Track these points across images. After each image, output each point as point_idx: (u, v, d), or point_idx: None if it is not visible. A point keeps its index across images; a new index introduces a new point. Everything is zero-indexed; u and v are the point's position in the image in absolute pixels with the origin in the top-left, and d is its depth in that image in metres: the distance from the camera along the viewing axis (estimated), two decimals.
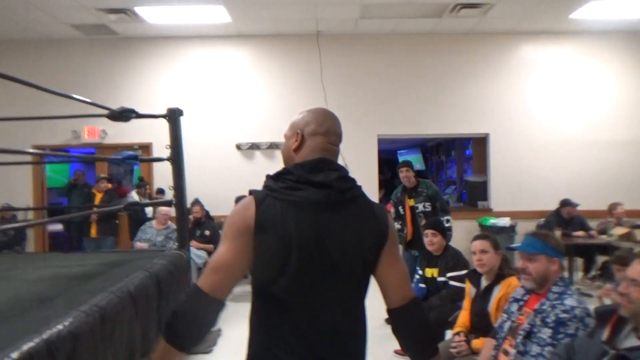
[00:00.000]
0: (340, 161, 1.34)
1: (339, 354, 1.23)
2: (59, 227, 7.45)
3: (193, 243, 5.37)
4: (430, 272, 3.50)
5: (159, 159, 4.10)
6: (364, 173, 6.62)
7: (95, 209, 5.61)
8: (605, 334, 1.51)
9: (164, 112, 3.85)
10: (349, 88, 6.66)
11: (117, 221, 6.24)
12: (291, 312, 1.20)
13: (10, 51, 6.50)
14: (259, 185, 1.32)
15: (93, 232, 6.01)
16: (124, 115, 3.50)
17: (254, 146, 6.59)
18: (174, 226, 5.25)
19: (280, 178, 1.24)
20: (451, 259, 3.40)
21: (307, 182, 1.20)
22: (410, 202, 4.56)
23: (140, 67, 6.62)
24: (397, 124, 6.72)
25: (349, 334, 1.25)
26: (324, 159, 1.25)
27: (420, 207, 4.47)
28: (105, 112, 3.53)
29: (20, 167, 6.33)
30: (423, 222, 4.29)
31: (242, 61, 6.67)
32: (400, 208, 4.65)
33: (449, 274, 3.34)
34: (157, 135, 5.87)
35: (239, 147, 6.59)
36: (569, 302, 1.83)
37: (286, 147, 1.33)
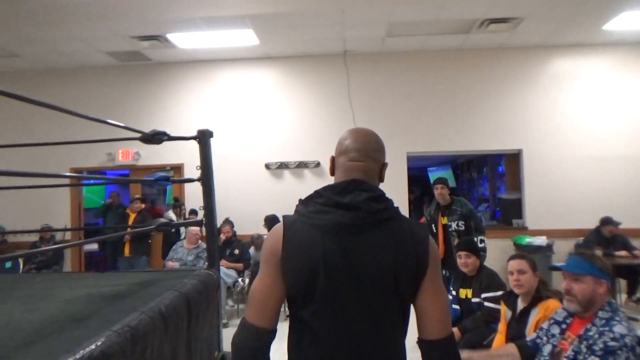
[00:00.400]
0: None
1: None
2: (94, 246, 7.67)
3: (223, 262, 5.41)
4: (465, 292, 3.39)
5: (190, 180, 4.15)
6: (394, 191, 6.49)
7: (129, 229, 5.75)
8: None
9: (194, 134, 3.94)
10: (377, 106, 6.66)
11: (149, 241, 6.37)
12: (319, 339, 1.16)
13: (50, 78, 6.84)
14: (286, 204, 1.29)
15: (126, 251, 6.15)
16: (155, 138, 3.58)
17: (283, 165, 6.63)
18: (204, 245, 5.32)
19: (311, 202, 1.22)
20: (486, 279, 3.30)
21: (335, 204, 1.17)
22: (444, 220, 4.49)
23: (172, 91, 6.82)
24: (427, 141, 6.65)
25: None
26: (355, 180, 1.20)
27: (454, 225, 4.38)
28: (138, 135, 3.64)
29: (59, 189, 6.57)
30: (456, 241, 4.19)
31: (271, 82, 6.78)
32: (433, 226, 4.59)
33: (484, 295, 3.23)
34: (188, 156, 6.02)
35: (267, 166, 6.65)
36: (618, 329, 1.72)
37: None
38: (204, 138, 3.95)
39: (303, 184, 6.55)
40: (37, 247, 6.19)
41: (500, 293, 3.14)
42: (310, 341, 1.17)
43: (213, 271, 3.81)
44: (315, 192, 1.23)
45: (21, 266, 5.98)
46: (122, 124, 3.54)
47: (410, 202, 7.61)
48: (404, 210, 6.56)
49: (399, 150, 6.59)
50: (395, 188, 6.55)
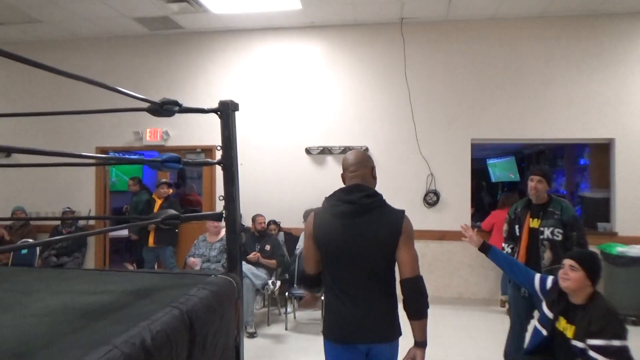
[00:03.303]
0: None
1: (366, 313, 2.01)
2: (124, 232, 7.22)
3: (254, 256, 4.72)
4: (564, 325, 2.47)
5: (207, 163, 3.46)
6: (455, 182, 5.62)
7: (138, 220, 5.16)
8: None
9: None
10: (437, 84, 5.72)
11: (176, 230, 5.78)
12: (337, 284, 2.07)
13: (74, 49, 6.38)
14: (328, 194, 2.14)
15: (151, 241, 5.61)
16: (164, 108, 2.89)
17: (326, 150, 5.85)
18: None
19: (330, 199, 2.13)
20: (599, 319, 2.33)
21: (342, 200, 2.07)
22: (533, 224, 3.35)
23: (206, 63, 6.17)
24: (495, 126, 5.65)
25: (374, 301, 2.03)
26: (356, 185, 2.09)
27: (547, 232, 3.27)
28: (145, 105, 2.95)
29: (84, 170, 6.11)
30: (547, 253, 3.19)
31: (315, 55, 5.97)
32: (516, 227, 3.47)
33: (592, 342, 2.28)
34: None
35: (308, 151, 5.89)
36: None
37: None
38: (226, 111, 3.18)
39: None
40: (58, 231, 5.77)
41: (615, 343, 2.22)
42: (334, 287, 2.08)
43: (233, 276, 3.06)
44: (333, 192, 2.13)
45: (38, 252, 5.55)
46: (130, 92, 2.88)
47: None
48: (467, 199, 5.67)
49: (461, 135, 5.65)
50: (457, 178, 5.64)
